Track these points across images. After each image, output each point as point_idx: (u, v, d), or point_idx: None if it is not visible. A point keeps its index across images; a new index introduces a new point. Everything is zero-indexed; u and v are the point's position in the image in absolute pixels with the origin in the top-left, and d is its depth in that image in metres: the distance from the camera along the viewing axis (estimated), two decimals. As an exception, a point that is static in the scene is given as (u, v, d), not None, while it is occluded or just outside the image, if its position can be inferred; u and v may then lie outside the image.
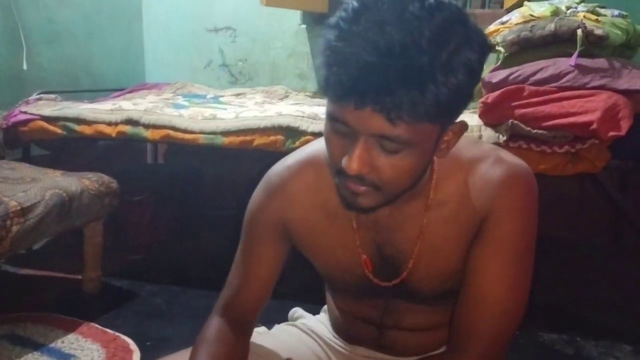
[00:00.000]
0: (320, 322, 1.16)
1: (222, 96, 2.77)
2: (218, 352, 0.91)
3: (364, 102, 0.66)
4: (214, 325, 0.96)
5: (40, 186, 1.73)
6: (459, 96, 0.69)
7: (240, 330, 0.96)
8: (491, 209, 0.83)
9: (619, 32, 1.77)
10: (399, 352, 1.03)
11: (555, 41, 1.78)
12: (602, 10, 1.85)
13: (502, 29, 1.90)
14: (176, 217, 2.69)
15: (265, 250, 0.96)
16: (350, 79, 0.66)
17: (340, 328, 1.09)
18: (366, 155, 0.71)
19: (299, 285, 2.01)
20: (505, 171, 0.83)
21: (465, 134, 0.82)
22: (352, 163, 0.71)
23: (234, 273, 0.99)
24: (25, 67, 2.50)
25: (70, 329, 1.70)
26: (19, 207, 1.61)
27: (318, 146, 0.94)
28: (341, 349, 1.08)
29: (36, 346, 1.59)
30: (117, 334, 1.68)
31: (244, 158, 2.87)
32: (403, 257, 0.90)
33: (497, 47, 1.88)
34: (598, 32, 1.69)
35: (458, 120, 0.76)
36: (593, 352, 1.63)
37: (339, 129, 0.73)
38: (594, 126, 1.60)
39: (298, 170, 0.94)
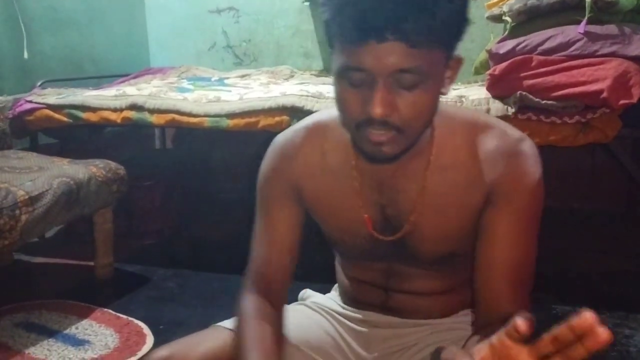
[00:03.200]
0: (329, 299, 1.18)
1: (227, 78, 2.75)
2: (264, 331, 0.91)
3: (385, 34, 0.70)
4: (251, 303, 0.96)
5: (48, 175, 1.74)
6: (461, 18, 0.75)
7: (275, 301, 0.97)
8: (499, 180, 0.86)
9: (629, -4, 1.72)
10: (406, 314, 1.06)
11: (563, 8, 1.74)
12: (611, -25, 1.80)
13: (508, -2, 1.86)
14: (186, 201, 2.69)
15: (284, 212, 0.98)
16: (369, 15, 0.69)
17: (349, 296, 1.12)
18: (388, 96, 0.74)
19: (309, 267, 2.02)
20: (515, 143, 0.87)
21: (465, 106, 0.86)
22: (376, 107, 0.74)
23: (257, 244, 1.00)
24: (26, 55, 2.49)
25: (84, 315, 1.72)
26: (27, 197, 1.61)
27: (322, 114, 1.00)
28: (351, 323, 1.09)
29: (51, 333, 1.61)
30: (130, 318, 1.69)
31: (251, 140, 2.86)
32: (404, 217, 0.93)
33: (503, 17, 1.84)
34: (607, -3, 1.65)
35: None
36: (607, 324, 1.60)
37: (355, 80, 0.75)
38: (605, 95, 1.57)
39: (306, 134, 0.97)
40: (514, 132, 0.88)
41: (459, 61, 0.83)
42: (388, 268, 0.99)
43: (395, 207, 0.94)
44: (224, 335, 1.05)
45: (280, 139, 1.00)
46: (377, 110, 0.74)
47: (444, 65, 0.79)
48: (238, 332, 0.93)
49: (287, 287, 1.01)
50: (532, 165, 0.86)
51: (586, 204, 2.60)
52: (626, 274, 1.99)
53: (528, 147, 0.87)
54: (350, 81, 0.76)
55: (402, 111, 0.76)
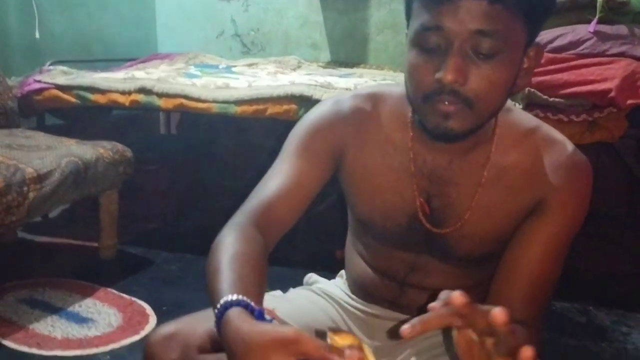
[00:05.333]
0: (336, 286, 1.17)
1: (235, 66, 2.76)
2: (249, 248, 0.81)
3: None
4: (240, 226, 0.86)
5: (56, 154, 1.75)
6: None
7: (269, 240, 0.88)
8: (554, 191, 0.86)
9: (640, -3, 1.73)
10: (415, 312, 1.05)
11: (574, 7, 1.75)
12: (623, -25, 1.81)
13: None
14: (190, 187, 2.71)
15: (313, 165, 0.94)
16: None
17: (359, 286, 1.09)
18: (461, 62, 0.73)
19: (312, 254, 2.03)
20: (577, 161, 0.87)
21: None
22: (448, 73, 0.73)
23: (270, 180, 0.92)
24: (37, 35, 2.50)
25: (87, 294, 1.73)
26: (35, 174, 1.62)
27: (385, 87, 0.98)
28: (356, 312, 1.09)
29: (55, 310, 1.63)
30: (133, 299, 1.71)
31: (254, 130, 2.87)
32: (451, 211, 0.91)
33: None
34: (619, -3, 1.66)
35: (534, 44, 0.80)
36: (605, 321, 1.63)
37: (430, 44, 0.75)
38: (612, 94, 1.58)
39: (366, 102, 0.95)
40: (576, 151, 0.88)
41: (539, 52, 0.81)
42: (414, 260, 0.97)
43: (443, 199, 0.92)
44: (229, 314, 1.05)
45: (339, 97, 0.97)
46: (449, 76, 0.73)
47: (524, 46, 0.77)
48: (213, 246, 0.82)
49: (283, 233, 0.93)
50: (587, 187, 0.87)
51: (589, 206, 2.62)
52: (625, 274, 2.01)
53: (587, 168, 0.88)
54: (425, 46, 0.75)
55: (475, 82, 0.74)
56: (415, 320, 0.60)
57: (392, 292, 1.02)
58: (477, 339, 0.62)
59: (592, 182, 0.89)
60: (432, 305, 0.62)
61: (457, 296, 0.59)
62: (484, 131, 0.88)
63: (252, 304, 0.68)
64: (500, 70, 0.75)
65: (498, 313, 0.57)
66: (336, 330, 0.91)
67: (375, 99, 0.96)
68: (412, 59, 0.78)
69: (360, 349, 0.61)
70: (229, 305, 0.68)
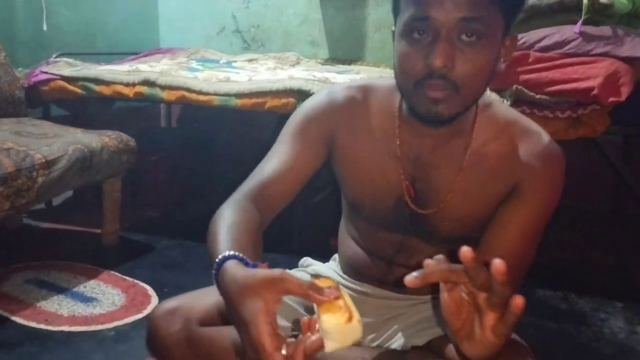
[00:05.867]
0: (329, 268, 1.25)
1: (235, 61, 2.83)
2: (246, 219, 0.90)
3: None
4: (238, 201, 0.94)
5: (63, 141, 1.82)
6: None
7: (265, 216, 0.96)
8: (528, 178, 0.94)
9: (624, 0, 1.81)
10: (402, 289, 1.13)
11: (562, 9, 1.83)
12: (609, -21, 1.89)
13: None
14: (190, 178, 2.78)
15: (307, 149, 1.02)
16: None
17: (350, 266, 1.17)
18: (449, 48, 0.81)
19: (308, 242, 2.11)
20: (551, 150, 0.95)
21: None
22: (437, 59, 0.81)
23: (269, 162, 1.01)
24: (45, 28, 2.58)
25: (91, 276, 1.81)
26: (44, 160, 1.70)
27: (375, 79, 1.07)
28: (348, 290, 1.17)
29: (60, 290, 1.70)
30: (135, 281, 1.79)
31: (253, 125, 2.95)
32: (434, 193, 0.99)
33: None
34: (603, 0, 1.74)
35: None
36: (585, 307, 1.72)
37: (418, 34, 0.83)
38: (595, 92, 1.66)
39: (357, 93, 1.03)
40: (551, 142, 0.96)
41: (514, 41, 0.90)
42: (401, 241, 1.04)
43: (427, 182, 0.99)
44: (229, 291, 1.13)
45: (333, 89, 1.06)
46: (438, 61, 0.80)
47: (502, 35, 0.86)
48: (213, 218, 0.90)
49: (278, 210, 1.01)
50: (560, 174, 0.95)
51: (576, 202, 2.70)
52: (607, 266, 2.09)
53: (560, 158, 0.95)
54: (414, 36, 0.83)
55: (461, 67, 0.82)
56: (417, 272, 0.68)
57: (381, 271, 1.09)
58: (466, 298, 0.69)
59: (564, 171, 0.96)
60: (428, 261, 0.68)
61: (466, 250, 0.64)
62: (465, 120, 0.97)
63: (247, 259, 0.76)
64: (483, 54, 0.83)
65: (498, 262, 0.63)
66: (317, 276, 1.00)
67: (366, 90, 1.04)
68: (403, 49, 0.86)
69: (337, 289, 0.69)
70: (226, 258, 0.77)
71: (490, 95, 1.86)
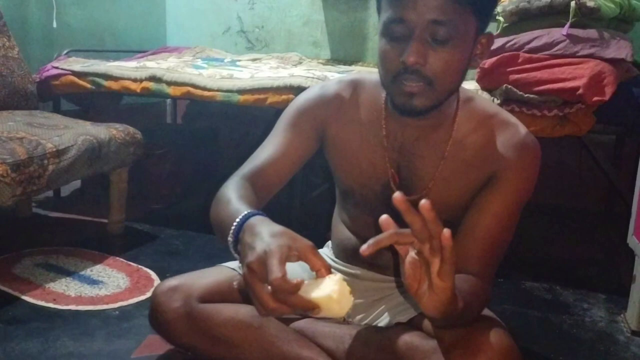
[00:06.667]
0: (322, 254, 1.33)
1: (239, 60, 2.92)
2: (246, 190, 1.00)
3: None
4: (237, 179, 1.05)
5: (73, 132, 1.91)
6: None
7: (262, 196, 1.06)
8: (506, 166, 1.02)
9: (612, 5, 1.88)
10: (389, 272, 1.21)
11: (551, 12, 1.90)
12: (598, -16, 1.96)
13: (502, 0, 2.02)
14: (194, 173, 2.87)
15: (300, 138, 1.12)
16: None
17: (341, 250, 1.26)
18: (421, 47, 0.90)
19: (304, 235, 2.19)
20: (527, 141, 1.03)
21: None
22: (410, 56, 0.90)
23: (264, 149, 1.11)
24: (55, 25, 2.67)
25: (97, 261, 1.89)
26: (54, 149, 1.78)
27: (363, 74, 1.16)
28: (339, 273, 1.25)
29: (68, 273, 1.79)
30: (139, 266, 1.87)
31: (255, 122, 3.04)
32: (418, 180, 1.08)
33: (497, 17, 2.01)
34: (590, 4, 1.81)
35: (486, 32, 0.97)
36: (569, 298, 1.79)
37: (395, 34, 0.91)
38: (580, 91, 1.73)
39: (346, 86, 1.13)
40: (528, 134, 1.04)
41: (489, 40, 0.98)
42: None
43: (411, 170, 1.08)
44: (227, 272, 1.22)
45: (324, 83, 1.15)
46: (411, 58, 0.90)
47: (475, 35, 0.94)
48: (216, 197, 1.02)
49: (272, 194, 1.11)
50: (535, 164, 1.03)
51: (570, 202, 2.77)
52: (594, 261, 2.16)
53: (535, 149, 1.03)
54: (391, 36, 0.92)
55: (433, 63, 0.91)
56: (371, 240, 0.76)
57: (370, 254, 1.19)
58: (417, 257, 0.77)
59: (539, 161, 1.04)
60: (384, 227, 0.77)
61: (425, 202, 0.73)
62: (447, 113, 1.05)
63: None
64: (454, 54, 0.92)
65: (424, 202, 0.72)
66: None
67: (355, 84, 1.14)
68: (382, 47, 0.95)
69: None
70: (251, 215, 0.87)
71: (481, 93, 1.95)
